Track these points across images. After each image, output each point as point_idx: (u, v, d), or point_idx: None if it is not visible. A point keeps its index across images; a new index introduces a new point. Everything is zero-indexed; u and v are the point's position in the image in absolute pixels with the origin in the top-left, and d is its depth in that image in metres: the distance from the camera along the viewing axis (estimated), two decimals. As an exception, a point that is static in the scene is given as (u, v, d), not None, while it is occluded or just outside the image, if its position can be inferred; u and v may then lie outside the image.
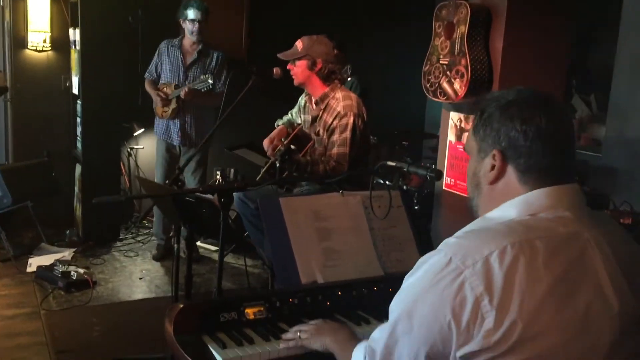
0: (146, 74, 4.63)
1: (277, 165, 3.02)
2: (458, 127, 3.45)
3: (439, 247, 1.22)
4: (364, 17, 5.80)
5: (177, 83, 4.45)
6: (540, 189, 1.23)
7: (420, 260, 1.24)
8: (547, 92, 1.30)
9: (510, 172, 1.26)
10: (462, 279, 1.13)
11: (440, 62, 3.21)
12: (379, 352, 1.27)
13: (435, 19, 3.24)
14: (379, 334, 1.29)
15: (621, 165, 4.58)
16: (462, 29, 3.07)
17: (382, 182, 4.51)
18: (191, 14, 4.34)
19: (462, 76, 3.07)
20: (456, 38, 3.11)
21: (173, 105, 4.43)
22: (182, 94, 4.30)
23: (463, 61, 3.07)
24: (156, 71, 4.58)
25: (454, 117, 3.51)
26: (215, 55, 4.49)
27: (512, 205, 1.24)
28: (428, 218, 4.08)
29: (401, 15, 5.76)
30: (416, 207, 4.73)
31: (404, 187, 4.55)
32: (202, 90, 4.26)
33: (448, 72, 3.17)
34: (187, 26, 4.39)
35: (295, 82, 3.34)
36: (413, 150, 5.11)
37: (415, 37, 3.64)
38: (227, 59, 4.54)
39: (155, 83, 4.58)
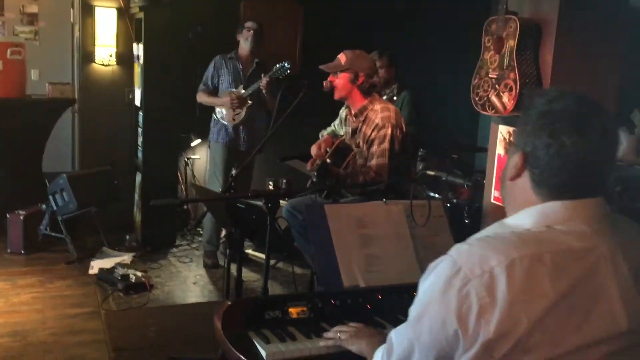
0: (201, 87, 4.75)
1: (314, 179, 3.10)
2: (507, 140, 3.46)
3: (450, 251, 1.24)
4: (415, 31, 5.84)
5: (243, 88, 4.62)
6: (558, 201, 1.24)
7: (431, 265, 1.26)
8: (594, 108, 1.24)
9: (526, 177, 1.27)
10: (468, 288, 1.16)
11: (489, 75, 3.23)
12: (395, 354, 1.33)
13: (485, 33, 3.26)
14: (395, 336, 1.35)
15: (680, 181, 4.45)
16: (511, 43, 3.09)
17: (431, 194, 4.53)
18: (248, 23, 4.66)
19: (510, 90, 3.09)
20: (505, 52, 3.13)
21: (247, 103, 4.58)
22: (262, 84, 4.43)
23: (512, 75, 3.09)
24: (212, 84, 4.73)
25: (503, 130, 3.51)
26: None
27: (529, 215, 1.25)
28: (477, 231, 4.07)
29: (454, 28, 5.77)
30: (466, 221, 4.71)
31: (454, 200, 4.55)
32: (280, 77, 4.40)
33: (497, 86, 3.19)
34: (244, 35, 4.65)
35: (336, 96, 3.40)
36: (464, 164, 5.10)
37: (467, 50, 3.66)
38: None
39: (212, 94, 4.73)
